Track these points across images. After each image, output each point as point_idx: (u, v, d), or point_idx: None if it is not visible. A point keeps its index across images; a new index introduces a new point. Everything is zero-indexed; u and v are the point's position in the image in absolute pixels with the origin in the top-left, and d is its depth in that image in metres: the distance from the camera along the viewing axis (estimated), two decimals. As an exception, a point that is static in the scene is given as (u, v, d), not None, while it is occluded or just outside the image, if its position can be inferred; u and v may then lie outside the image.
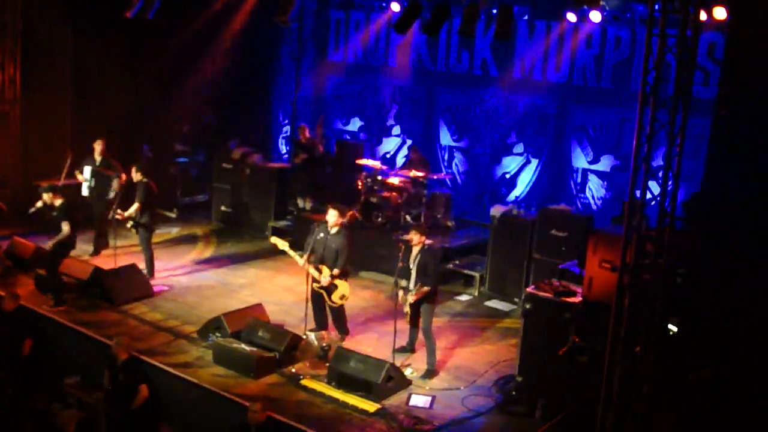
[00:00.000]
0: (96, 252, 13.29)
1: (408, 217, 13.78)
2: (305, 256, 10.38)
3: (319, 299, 10.53)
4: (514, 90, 14.86)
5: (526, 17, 14.24)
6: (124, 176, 12.98)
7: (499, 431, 8.90)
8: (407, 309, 9.91)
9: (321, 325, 10.66)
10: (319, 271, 10.34)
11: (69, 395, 10.03)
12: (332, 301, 10.45)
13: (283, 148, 18.14)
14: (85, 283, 11.63)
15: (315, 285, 10.43)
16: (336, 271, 10.30)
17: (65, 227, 11.15)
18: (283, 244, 10.68)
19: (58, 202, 11.24)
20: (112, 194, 12.91)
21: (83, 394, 9.93)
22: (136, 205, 12.18)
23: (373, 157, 16.07)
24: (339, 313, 10.62)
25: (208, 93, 17.02)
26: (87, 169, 13.16)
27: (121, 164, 13.22)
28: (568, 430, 8.51)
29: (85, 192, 13.24)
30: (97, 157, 13.19)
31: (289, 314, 11.19)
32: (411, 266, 9.83)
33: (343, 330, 10.69)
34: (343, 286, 10.42)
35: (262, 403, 8.48)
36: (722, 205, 9.08)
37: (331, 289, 10.40)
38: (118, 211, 12.05)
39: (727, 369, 8.25)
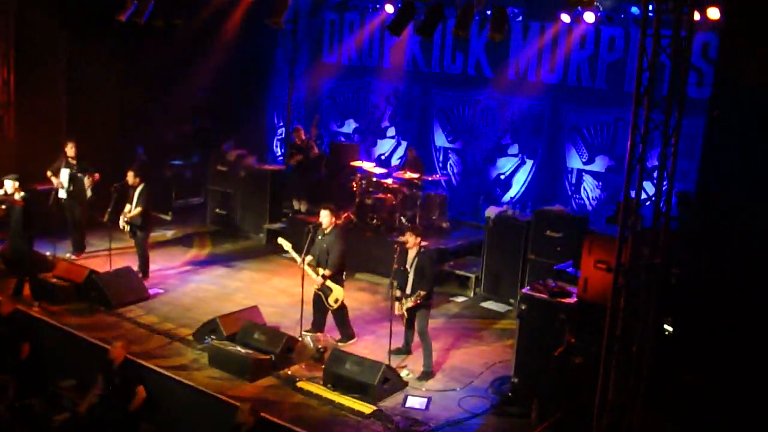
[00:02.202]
0: (79, 249, 13.33)
1: (403, 219, 13.76)
2: (302, 258, 10.38)
3: (319, 301, 10.53)
4: (509, 91, 14.88)
5: (520, 18, 14.26)
6: (97, 175, 13.10)
7: (495, 432, 8.90)
8: (404, 312, 9.89)
9: (319, 326, 10.65)
10: (317, 273, 10.35)
11: (64, 398, 10.00)
12: (329, 304, 10.44)
13: (278, 150, 18.14)
14: (81, 287, 11.60)
15: (315, 287, 10.44)
16: (327, 272, 10.30)
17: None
18: (288, 245, 10.68)
19: (19, 195, 11.43)
20: (89, 193, 13.05)
21: (78, 398, 9.90)
22: (138, 209, 12.20)
23: (368, 158, 16.07)
24: (340, 317, 10.61)
25: (203, 95, 16.99)
26: (64, 173, 13.07)
27: (117, 167, 13.19)
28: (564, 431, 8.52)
29: (63, 195, 13.11)
30: (72, 161, 13.16)
31: (285, 316, 11.18)
32: (408, 269, 9.82)
33: (347, 333, 10.67)
34: (336, 290, 10.40)
35: (251, 406, 8.38)
36: (716, 204, 9.09)
37: (326, 291, 10.39)
38: (122, 216, 12.22)
39: (722, 369, 8.25)
